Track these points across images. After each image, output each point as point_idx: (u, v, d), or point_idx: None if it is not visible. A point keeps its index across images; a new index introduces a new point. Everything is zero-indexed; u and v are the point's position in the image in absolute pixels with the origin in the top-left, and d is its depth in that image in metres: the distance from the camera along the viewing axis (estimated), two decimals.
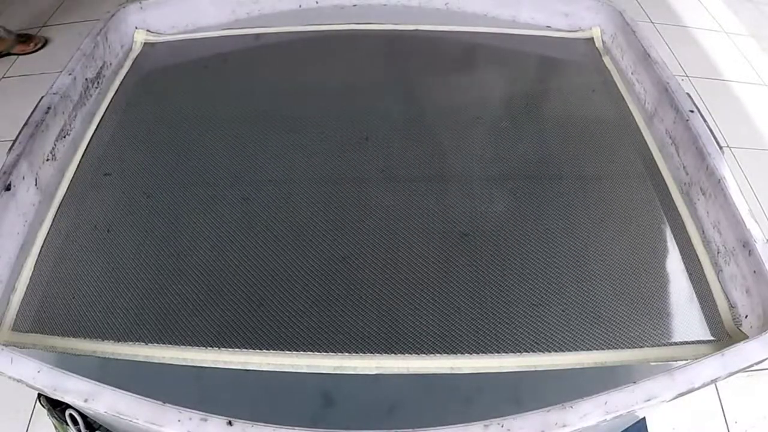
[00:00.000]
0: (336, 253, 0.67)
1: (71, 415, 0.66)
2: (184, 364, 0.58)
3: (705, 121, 0.75)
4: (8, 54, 1.92)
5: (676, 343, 0.60)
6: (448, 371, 0.58)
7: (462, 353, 0.59)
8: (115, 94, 0.89)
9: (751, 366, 0.51)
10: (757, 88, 1.89)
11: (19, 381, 0.50)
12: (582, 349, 0.60)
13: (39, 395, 0.67)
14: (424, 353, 0.59)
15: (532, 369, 0.58)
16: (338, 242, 0.68)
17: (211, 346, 0.58)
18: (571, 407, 0.48)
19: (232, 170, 0.77)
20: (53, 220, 0.71)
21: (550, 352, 0.59)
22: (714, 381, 0.51)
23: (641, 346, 0.60)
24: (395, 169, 0.77)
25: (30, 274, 0.66)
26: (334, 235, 0.69)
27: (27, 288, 0.64)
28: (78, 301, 0.63)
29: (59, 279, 0.65)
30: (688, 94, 0.80)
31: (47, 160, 0.74)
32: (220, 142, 0.81)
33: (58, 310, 0.62)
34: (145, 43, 0.99)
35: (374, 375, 0.58)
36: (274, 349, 0.59)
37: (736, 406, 1.13)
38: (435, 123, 0.85)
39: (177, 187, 0.75)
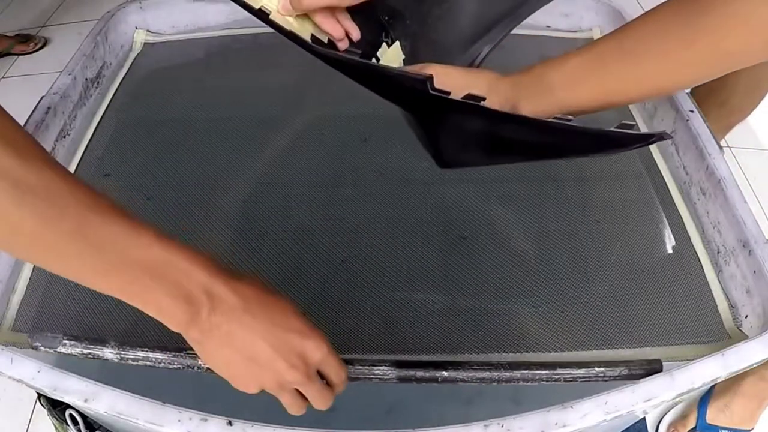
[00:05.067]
0: (335, 255, 0.67)
1: (71, 415, 0.66)
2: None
3: (705, 121, 0.75)
4: (8, 54, 1.92)
5: (675, 343, 0.60)
6: None
7: (462, 353, 0.59)
8: (114, 94, 0.89)
9: (752, 366, 0.51)
10: None
11: (19, 381, 0.50)
12: (582, 349, 0.60)
13: (39, 395, 0.67)
14: (424, 353, 0.59)
15: None
16: (337, 244, 0.68)
17: None
18: (571, 407, 0.48)
19: (231, 171, 0.77)
20: None
21: (550, 352, 0.59)
22: (714, 381, 0.51)
23: (641, 346, 0.60)
24: (394, 171, 0.77)
25: (30, 274, 0.66)
26: (333, 237, 0.69)
27: (27, 288, 0.64)
28: (78, 302, 0.63)
29: (59, 279, 0.65)
30: (688, 94, 0.80)
31: None
32: (219, 143, 0.81)
33: (58, 310, 0.62)
34: (145, 43, 0.99)
35: None
36: None
37: None
38: None
39: (176, 188, 0.75)
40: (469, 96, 0.41)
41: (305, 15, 0.55)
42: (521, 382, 0.55)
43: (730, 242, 0.65)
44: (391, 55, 0.61)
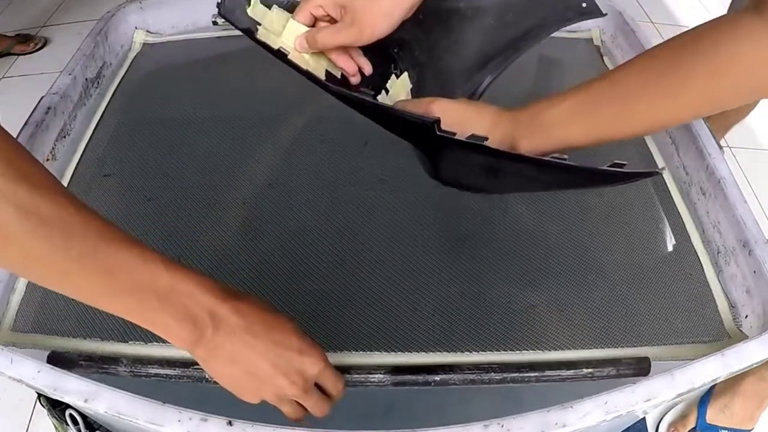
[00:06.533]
0: (335, 256, 0.67)
1: (71, 415, 0.66)
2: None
3: (705, 121, 0.75)
4: (8, 54, 1.93)
5: (675, 343, 0.60)
6: None
7: (461, 352, 0.59)
8: (114, 94, 0.89)
9: (752, 366, 0.51)
10: None
11: (19, 381, 0.50)
12: (581, 348, 0.60)
13: (39, 395, 0.67)
14: (423, 351, 0.59)
15: None
16: (337, 246, 0.68)
17: None
18: (571, 407, 0.48)
19: (231, 172, 0.77)
20: None
21: (549, 350, 0.59)
22: (714, 381, 0.51)
23: (641, 345, 0.60)
24: (394, 174, 0.77)
25: None
26: (333, 238, 0.69)
27: (27, 288, 0.64)
28: (78, 302, 0.63)
29: None
30: None
31: (47, 160, 0.74)
32: (219, 144, 0.81)
33: (58, 310, 0.62)
34: (145, 43, 0.99)
35: None
36: None
37: None
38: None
39: (176, 188, 0.75)
40: (472, 136, 0.44)
41: (320, 52, 0.59)
42: (511, 383, 0.56)
43: (730, 242, 0.65)
44: (399, 85, 0.64)
